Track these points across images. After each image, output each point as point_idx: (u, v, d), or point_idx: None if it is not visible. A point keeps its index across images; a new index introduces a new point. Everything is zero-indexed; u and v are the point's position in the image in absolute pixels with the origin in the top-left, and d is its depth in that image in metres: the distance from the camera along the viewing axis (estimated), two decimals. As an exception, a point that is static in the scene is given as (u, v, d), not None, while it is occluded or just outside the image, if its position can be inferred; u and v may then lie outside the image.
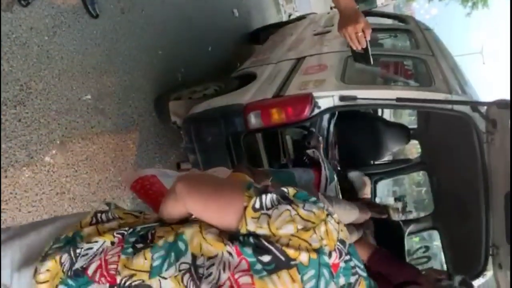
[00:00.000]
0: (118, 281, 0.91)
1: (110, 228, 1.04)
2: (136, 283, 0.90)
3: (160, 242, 0.93)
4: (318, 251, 0.84)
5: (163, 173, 1.80)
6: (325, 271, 0.84)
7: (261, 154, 3.07)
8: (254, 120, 2.69)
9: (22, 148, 2.28)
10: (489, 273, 2.79)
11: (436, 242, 4.51)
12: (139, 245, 0.95)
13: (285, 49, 4.19)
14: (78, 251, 0.97)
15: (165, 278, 0.89)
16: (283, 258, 0.84)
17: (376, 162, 5.04)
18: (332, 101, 2.68)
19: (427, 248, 4.17)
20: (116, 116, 3.03)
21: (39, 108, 2.41)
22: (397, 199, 4.30)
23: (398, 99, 2.50)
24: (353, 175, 3.15)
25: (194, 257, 0.89)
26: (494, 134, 2.48)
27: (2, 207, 2.13)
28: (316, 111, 2.68)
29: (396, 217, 3.61)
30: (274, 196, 0.90)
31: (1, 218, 2.11)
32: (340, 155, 4.33)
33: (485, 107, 2.49)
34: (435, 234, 4.13)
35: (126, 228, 1.01)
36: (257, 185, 0.97)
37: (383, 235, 2.98)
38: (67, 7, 2.73)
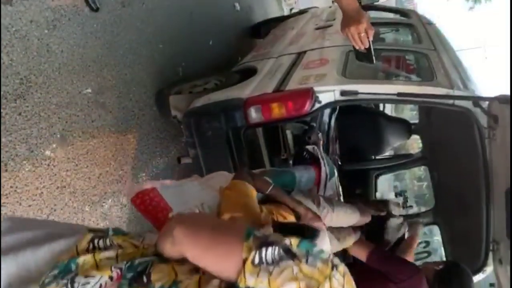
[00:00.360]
0: None
1: (107, 257, 1.01)
2: None
3: (157, 286, 0.91)
4: None
5: (163, 185, 1.80)
6: None
7: (262, 149, 3.07)
8: (254, 114, 2.68)
9: (22, 142, 2.28)
10: (489, 269, 2.80)
11: (437, 237, 4.51)
12: (135, 285, 0.94)
13: (286, 43, 4.17)
14: (75, 285, 0.95)
15: None
16: None
17: (377, 157, 5.04)
18: (333, 95, 2.67)
19: (428, 243, 4.17)
20: (116, 110, 3.03)
21: (39, 102, 2.41)
22: (397, 194, 4.29)
23: (399, 94, 2.50)
24: (393, 222, 2.84)
25: None
26: (496, 130, 2.47)
27: (2, 201, 2.13)
28: (317, 106, 2.67)
29: (397, 212, 3.60)
30: (276, 250, 0.86)
31: (1, 212, 2.11)
32: (341, 149, 4.32)
33: (487, 102, 2.48)
34: (436, 229, 4.14)
35: (125, 262, 0.98)
36: (258, 233, 0.92)
37: (383, 230, 2.98)
38: (67, 1, 2.72)
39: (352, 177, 4.22)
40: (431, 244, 4.26)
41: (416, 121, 4.97)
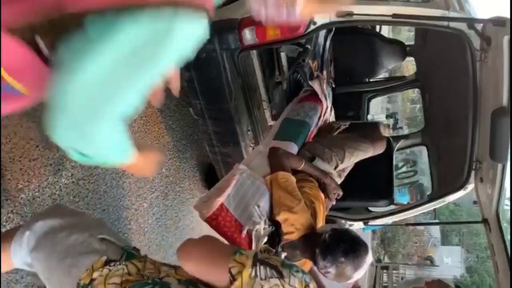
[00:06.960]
0: None
1: (114, 283, 1.24)
2: None
3: None
4: None
5: (227, 198, 2.10)
6: None
7: (256, 71, 3.06)
8: (248, 36, 2.65)
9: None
10: (470, 186, 2.96)
11: (425, 158, 4.70)
12: None
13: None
14: None
15: None
16: None
17: (370, 80, 5.05)
18: (328, 16, 2.63)
19: (415, 162, 4.36)
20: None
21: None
22: (388, 116, 4.41)
23: (394, 16, 2.46)
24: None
25: None
26: (488, 52, 2.48)
27: None
28: (312, 27, 2.63)
29: (386, 133, 3.72)
30: (268, 269, 1.13)
31: None
32: (335, 72, 4.32)
33: (481, 24, 2.47)
34: (424, 150, 4.28)
35: None
36: (244, 251, 1.20)
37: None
38: None
39: (345, 99, 4.27)
40: (418, 164, 4.45)
41: (412, 42, 4.92)
